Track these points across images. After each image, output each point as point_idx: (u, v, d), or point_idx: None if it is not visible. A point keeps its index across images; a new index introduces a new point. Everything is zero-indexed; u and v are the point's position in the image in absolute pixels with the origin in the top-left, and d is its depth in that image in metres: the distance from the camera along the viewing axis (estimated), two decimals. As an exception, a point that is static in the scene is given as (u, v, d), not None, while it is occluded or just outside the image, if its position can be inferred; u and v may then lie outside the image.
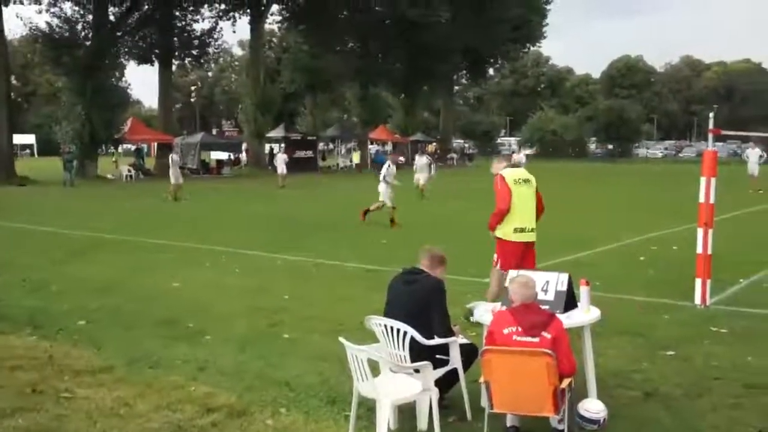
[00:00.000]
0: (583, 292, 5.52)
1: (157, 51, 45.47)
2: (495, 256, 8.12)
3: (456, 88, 72.64)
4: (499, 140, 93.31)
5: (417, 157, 28.04)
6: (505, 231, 7.98)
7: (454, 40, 52.40)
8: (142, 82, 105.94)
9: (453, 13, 50.44)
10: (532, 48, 71.60)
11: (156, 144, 46.25)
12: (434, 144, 52.17)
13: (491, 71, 76.42)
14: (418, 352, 5.04)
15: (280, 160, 33.49)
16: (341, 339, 4.94)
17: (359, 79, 54.97)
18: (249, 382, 6.15)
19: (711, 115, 9.19)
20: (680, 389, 5.93)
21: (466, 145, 76.75)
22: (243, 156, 52.40)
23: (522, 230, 7.94)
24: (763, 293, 9.72)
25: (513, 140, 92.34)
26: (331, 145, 65.73)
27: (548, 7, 60.89)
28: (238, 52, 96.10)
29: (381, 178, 17.86)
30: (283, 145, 45.78)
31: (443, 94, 65.04)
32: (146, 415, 5.36)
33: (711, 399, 5.72)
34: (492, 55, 63.62)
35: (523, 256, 7.96)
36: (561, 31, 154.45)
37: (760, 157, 29.93)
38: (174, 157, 27.09)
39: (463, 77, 71.20)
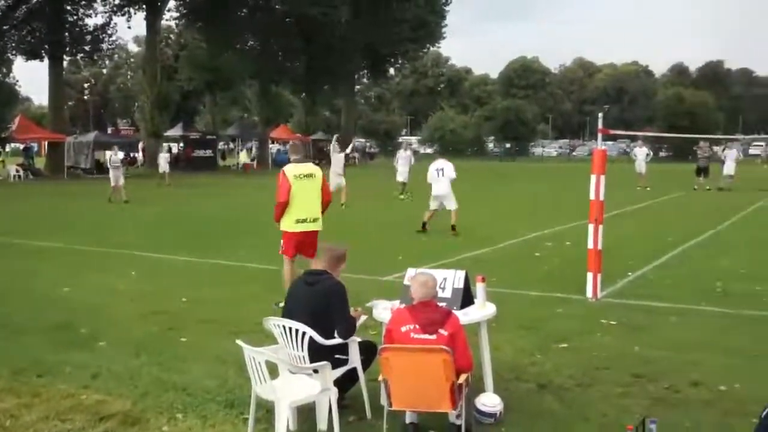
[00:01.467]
0: (479, 288, 5.64)
1: (46, 46, 43.54)
2: (281, 242, 8.88)
3: (357, 87, 72.74)
4: (400, 139, 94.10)
5: (334, 157, 22.48)
6: (287, 223, 8.75)
7: (355, 39, 52.55)
8: (31, 78, 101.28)
9: (353, 13, 50.55)
10: (431, 48, 72.44)
11: (47, 143, 44.41)
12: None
13: (392, 71, 76.84)
14: (317, 353, 5.02)
15: (163, 159, 34.21)
16: (239, 341, 4.87)
17: (259, 77, 54.32)
18: (144, 388, 5.98)
19: (600, 115, 9.55)
20: (572, 380, 6.14)
21: (368, 144, 77.03)
22: (139, 155, 50.96)
23: (303, 221, 8.72)
24: (649, 286, 10.17)
25: (414, 139, 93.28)
26: (231, 144, 64.71)
27: (447, 8, 61.81)
28: (133, 48, 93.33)
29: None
30: (166, 144, 44.81)
31: (344, 93, 64.98)
32: (33, 426, 5.14)
33: (601, 388, 5.94)
34: (392, 55, 63.98)
35: (305, 244, 8.76)
36: (460, 31, 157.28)
37: (647, 155, 31.37)
38: (113, 157, 25.58)
39: (364, 76, 71.43)
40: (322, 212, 8.91)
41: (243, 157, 52.85)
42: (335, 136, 26.60)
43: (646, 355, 6.83)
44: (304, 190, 8.67)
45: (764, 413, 3.43)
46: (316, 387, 4.94)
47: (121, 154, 27.54)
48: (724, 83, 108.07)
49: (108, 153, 27.67)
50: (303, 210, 8.67)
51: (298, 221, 8.69)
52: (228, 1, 47.49)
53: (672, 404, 5.59)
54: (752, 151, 68.05)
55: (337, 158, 22.14)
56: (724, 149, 30.45)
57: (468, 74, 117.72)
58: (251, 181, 36.31)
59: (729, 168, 29.19)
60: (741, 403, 5.52)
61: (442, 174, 15.48)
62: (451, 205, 15.42)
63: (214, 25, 49.19)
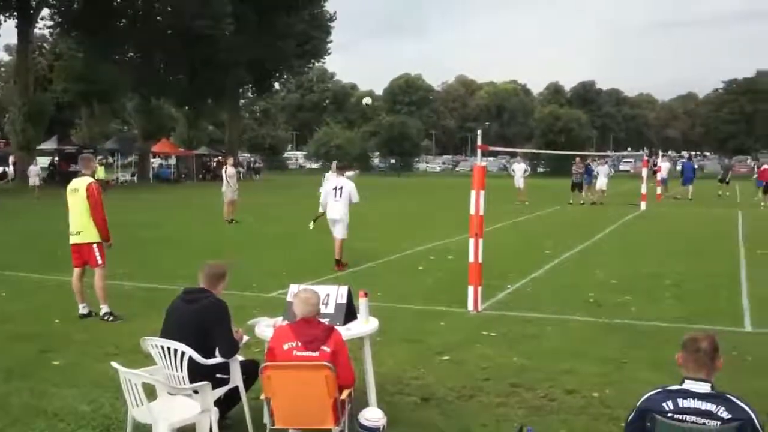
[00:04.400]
0: (362, 303, 5.67)
1: None
2: None
3: (242, 101, 71.98)
4: (285, 154, 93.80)
5: (230, 170, 22.00)
6: None
7: (239, 53, 51.93)
8: None
9: (237, 27, 49.99)
10: (317, 63, 72.66)
11: None
12: (232, 158, 51.21)
13: (277, 85, 76.48)
14: (197, 373, 4.90)
15: (33, 173, 35.56)
16: (114, 363, 4.70)
17: (140, 90, 52.86)
18: (14, 415, 5.68)
19: (479, 132, 9.84)
20: (454, 392, 6.26)
21: (253, 159, 76.27)
22: (10, 170, 48.44)
23: (71, 233, 9.26)
24: (527, 298, 10.53)
25: (300, 154, 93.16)
26: (110, 159, 62.53)
27: (332, 24, 62.25)
28: (4, 57, 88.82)
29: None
30: (36, 159, 42.92)
31: (229, 107, 64.11)
32: None
33: (481, 399, 6.09)
34: (277, 70, 63.76)
35: (80, 255, 9.26)
36: (345, 48, 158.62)
37: (525, 171, 32.59)
38: None
39: (248, 91, 70.77)
40: (99, 228, 9.12)
41: (101, 173, 50.87)
42: (231, 158, 25.55)
43: (524, 365, 7.05)
44: (70, 204, 9.21)
45: (629, 419, 3.63)
46: (195, 408, 4.83)
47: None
48: (596, 102, 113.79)
49: None
50: (71, 223, 9.23)
51: (70, 233, 9.25)
52: (106, 11, 45.95)
53: (548, 412, 5.80)
54: (622, 167, 71.99)
55: (232, 173, 21.88)
56: (596, 165, 31.99)
57: (353, 90, 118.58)
58: (126, 197, 35.18)
59: (601, 183, 30.65)
60: (611, 408, 5.78)
61: (339, 194, 12.86)
62: (340, 233, 12.88)
63: (91, 36, 47.49)
